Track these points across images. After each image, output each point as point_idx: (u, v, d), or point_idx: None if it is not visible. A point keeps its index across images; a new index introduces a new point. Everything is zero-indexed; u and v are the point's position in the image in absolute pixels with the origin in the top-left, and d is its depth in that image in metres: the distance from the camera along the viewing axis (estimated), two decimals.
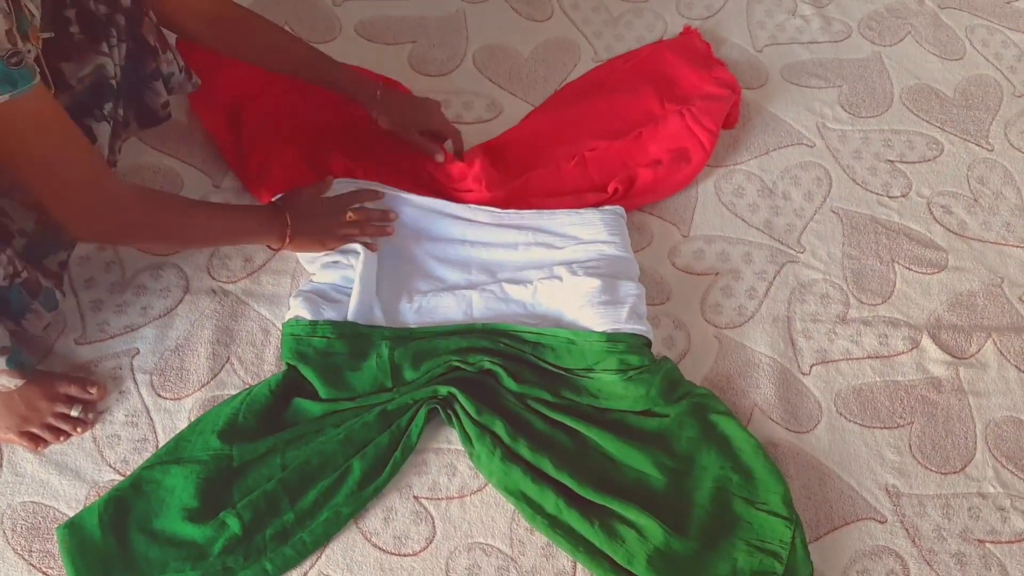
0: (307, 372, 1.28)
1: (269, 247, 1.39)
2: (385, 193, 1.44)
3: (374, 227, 1.39)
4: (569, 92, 1.68)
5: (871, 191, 1.60)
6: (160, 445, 1.25)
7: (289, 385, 1.29)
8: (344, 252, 1.36)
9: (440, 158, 1.50)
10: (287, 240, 1.31)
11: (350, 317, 1.32)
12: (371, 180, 1.47)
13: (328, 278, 1.36)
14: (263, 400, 1.27)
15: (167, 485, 1.20)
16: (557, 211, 1.48)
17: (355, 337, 1.31)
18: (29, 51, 0.99)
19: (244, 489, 1.22)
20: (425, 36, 1.73)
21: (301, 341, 1.30)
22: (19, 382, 1.19)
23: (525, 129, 1.61)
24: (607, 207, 1.49)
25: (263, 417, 1.26)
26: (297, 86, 1.55)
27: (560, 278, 1.39)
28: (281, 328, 1.35)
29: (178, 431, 1.26)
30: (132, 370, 1.31)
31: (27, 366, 1.20)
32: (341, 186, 1.42)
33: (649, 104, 1.63)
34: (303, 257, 1.40)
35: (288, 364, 1.30)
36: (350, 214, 1.36)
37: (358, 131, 1.54)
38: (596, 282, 1.36)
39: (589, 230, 1.45)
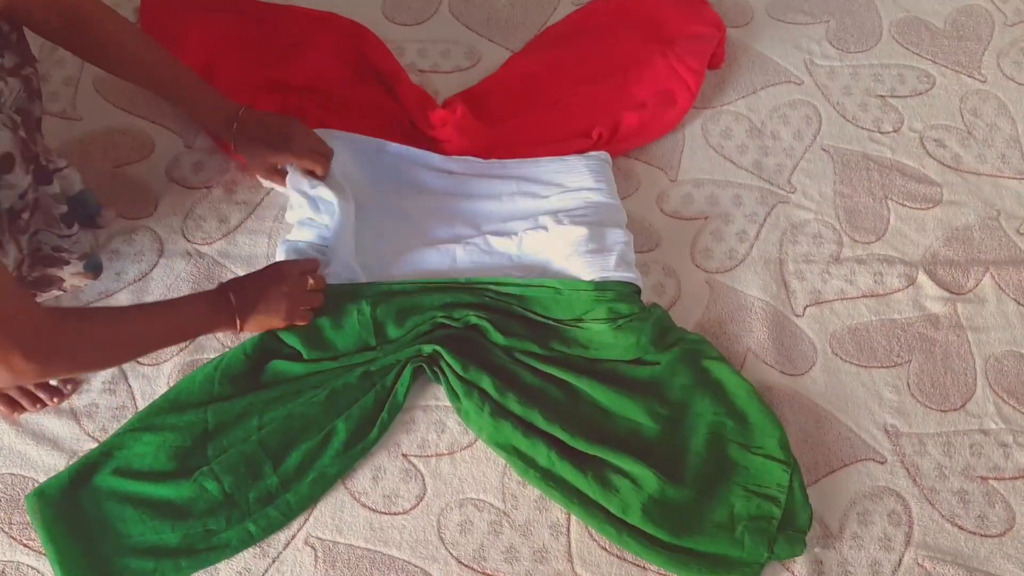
0: (286, 335, 1.24)
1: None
2: (364, 140, 1.40)
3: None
4: (550, 36, 1.63)
5: (862, 127, 1.56)
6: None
7: (265, 348, 1.25)
8: (318, 210, 1.31)
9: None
10: (239, 326, 1.18)
11: (329, 278, 1.28)
12: (348, 130, 1.42)
13: (305, 236, 1.32)
14: (239, 364, 1.23)
15: (139, 451, 1.17)
16: (541, 159, 1.44)
17: (334, 295, 1.27)
18: None
19: (218, 448, 1.18)
20: None
21: None
22: (91, 282, 1.25)
23: (506, 76, 1.56)
24: (592, 153, 1.44)
25: (239, 381, 1.23)
26: (271, 45, 1.50)
27: (546, 228, 1.35)
28: None
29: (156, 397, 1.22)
30: None
31: (100, 268, 1.24)
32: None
33: (633, 46, 1.58)
34: (288, 215, 1.35)
35: None
36: (311, 281, 1.23)
37: (336, 81, 1.50)
38: (583, 230, 1.33)
39: (574, 177, 1.41)
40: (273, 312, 1.19)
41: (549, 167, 1.43)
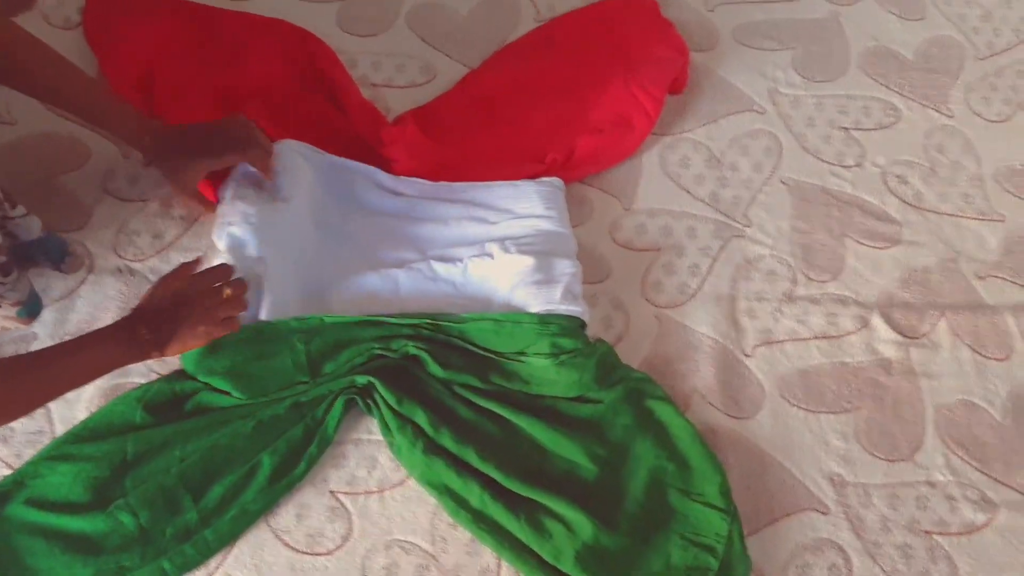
0: (216, 380, 1.19)
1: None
2: (309, 153, 1.35)
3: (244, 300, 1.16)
4: (509, 53, 1.58)
5: (823, 160, 1.52)
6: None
7: (192, 383, 1.20)
8: (245, 248, 1.24)
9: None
10: (160, 350, 1.08)
11: (264, 316, 1.23)
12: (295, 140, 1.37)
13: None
14: (164, 394, 1.18)
15: (54, 481, 1.12)
16: (492, 183, 1.39)
17: (263, 339, 1.22)
18: None
19: (137, 479, 1.13)
20: None
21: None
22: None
23: (459, 94, 1.51)
24: (544, 179, 1.40)
25: (163, 410, 1.18)
26: (214, 50, 1.45)
27: (492, 255, 1.30)
28: None
29: (75, 423, 1.17)
30: None
31: (37, 313, 1.22)
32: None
33: (593, 67, 1.53)
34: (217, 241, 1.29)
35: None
36: (227, 291, 1.12)
37: (280, 90, 1.44)
38: (529, 260, 1.28)
39: (524, 204, 1.37)
40: (191, 333, 1.09)
41: (499, 192, 1.38)
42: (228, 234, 1.22)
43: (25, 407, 1.02)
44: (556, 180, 1.40)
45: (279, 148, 1.30)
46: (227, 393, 1.19)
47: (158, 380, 1.20)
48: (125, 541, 1.11)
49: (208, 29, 1.48)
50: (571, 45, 1.57)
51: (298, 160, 1.32)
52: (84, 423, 1.17)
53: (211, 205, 1.29)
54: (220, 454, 1.15)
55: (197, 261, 1.17)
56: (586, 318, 1.27)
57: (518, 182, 1.39)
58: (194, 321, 1.09)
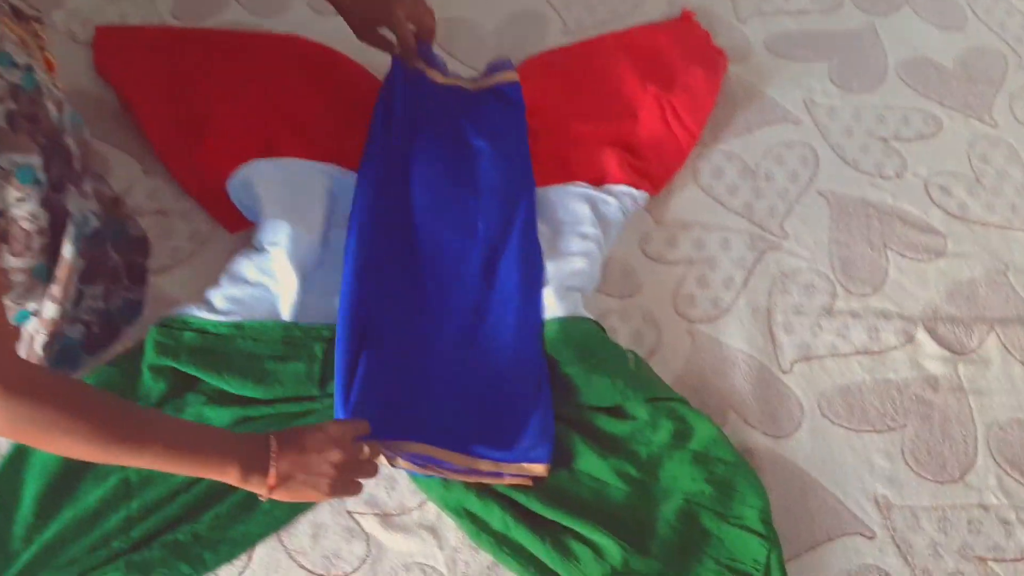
0: (208, 376, 1.15)
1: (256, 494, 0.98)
2: (337, 174, 1.33)
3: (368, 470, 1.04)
4: (541, 64, 1.54)
5: (862, 171, 1.46)
6: None
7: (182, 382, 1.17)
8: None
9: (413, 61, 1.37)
10: (271, 482, 0.94)
11: (288, 316, 1.20)
12: (325, 160, 1.35)
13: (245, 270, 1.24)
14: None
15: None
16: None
17: (289, 341, 1.18)
18: None
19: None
20: None
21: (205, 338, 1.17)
22: None
23: None
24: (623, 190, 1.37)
25: None
26: (234, 73, 1.43)
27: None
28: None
29: None
30: None
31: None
32: (303, 177, 1.31)
33: (631, 90, 1.49)
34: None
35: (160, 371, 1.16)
36: (366, 450, 1.01)
37: (310, 108, 1.42)
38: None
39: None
40: (315, 481, 0.96)
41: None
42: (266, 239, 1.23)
43: (106, 448, 0.88)
44: (637, 193, 1.37)
45: (313, 171, 1.32)
46: (221, 396, 1.15)
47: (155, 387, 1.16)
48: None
49: (225, 54, 1.46)
50: (612, 65, 1.52)
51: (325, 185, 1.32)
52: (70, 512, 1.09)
53: (392, 46, 1.34)
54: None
55: (364, 426, 1.05)
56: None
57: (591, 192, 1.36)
58: (324, 472, 0.97)
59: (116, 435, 0.88)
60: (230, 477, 0.93)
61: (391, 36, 1.34)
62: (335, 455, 0.96)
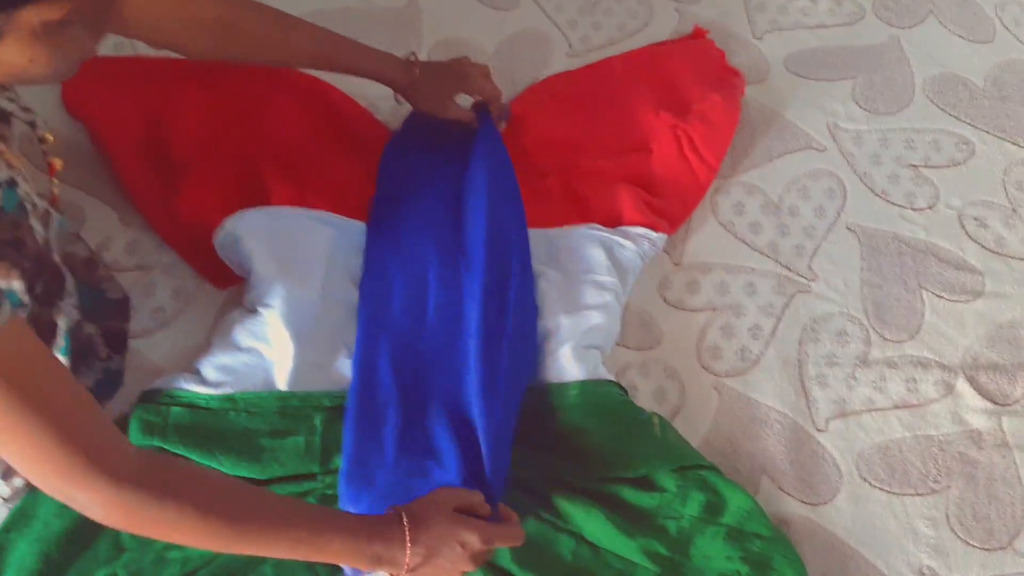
0: (200, 456, 1.05)
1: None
2: (336, 222, 1.23)
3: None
4: (545, 92, 1.44)
5: (892, 203, 1.37)
6: None
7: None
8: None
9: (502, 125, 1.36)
10: (406, 567, 0.89)
11: (284, 385, 1.10)
12: (323, 208, 1.24)
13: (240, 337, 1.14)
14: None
15: None
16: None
17: (286, 412, 1.09)
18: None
19: None
20: (371, 30, 1.48)
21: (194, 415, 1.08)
22: None
23: None
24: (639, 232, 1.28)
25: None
26: (223, 110, 1.31)
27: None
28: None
29: None
30: None
31: None
32: (298, 227, 1.21)
33: (644, 119, 1.39)
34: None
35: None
36: (496, 545, 0.95)
37: (301, 149, 1.31)
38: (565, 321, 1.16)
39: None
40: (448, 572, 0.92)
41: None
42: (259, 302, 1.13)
43: (230, 535, 0.83)
44: (655, 236, 1.27)
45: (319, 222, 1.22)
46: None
47: None
48: None
49: (213, 87, 1.34)
50: (619, 94, 1.42)
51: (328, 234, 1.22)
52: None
53: (469, 114, 1.32)
54: (220, 572, 1.01)
55: (500, 510, 0.99)
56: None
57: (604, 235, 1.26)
58: (458, 565, 0.92)
59: (234, 520, 0.82)
60: (364, 558, 0.88)
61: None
62: (470, 545, 0.91)
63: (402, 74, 1.25)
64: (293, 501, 0.95)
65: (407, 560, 0.88)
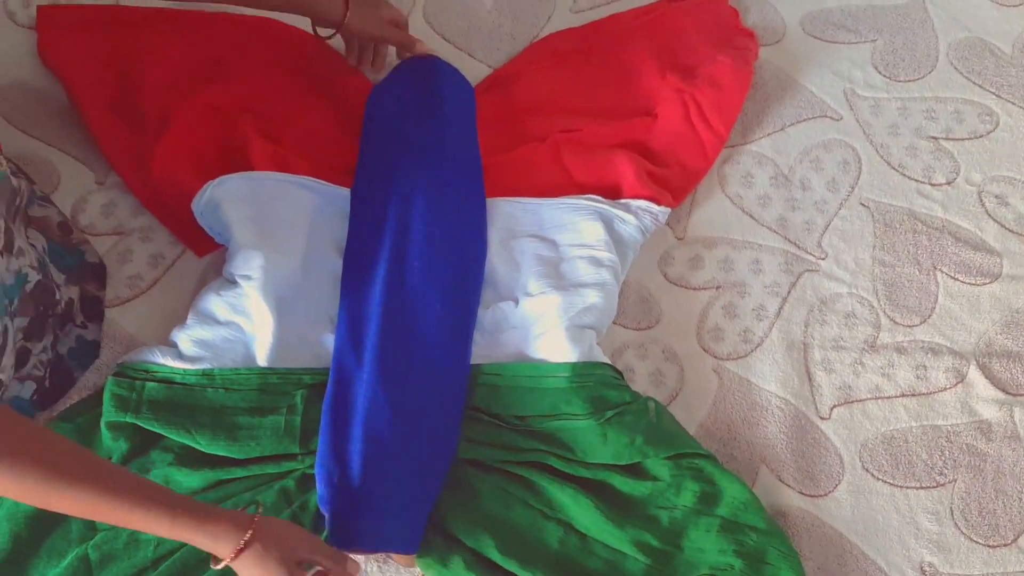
0: (175, 433, 1.01)
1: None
2: (320, 189, 1.17)
3: None
4: (544, 52, 1.37)
5: (910, 177, 1.30)
6: None
7: (144, 439, 1.03)
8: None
9: (423, 48, 1.28)
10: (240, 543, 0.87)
11: (264, 361, 1.06)
12: (300, 158, 1.19)
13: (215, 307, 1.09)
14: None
15: None
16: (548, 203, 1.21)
17: (266, 389, 1.04)
18: None
19: None
20: None
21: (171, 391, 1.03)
22: None
23: (482, 102, 1.30)
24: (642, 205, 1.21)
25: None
26: (197, 61, 1.24)
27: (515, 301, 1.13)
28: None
29: None
30: None
31: None
32: (280, 194, 1.15)
33: (649, 82, 1.32)
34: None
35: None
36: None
37: (278, 102, 1.25)
38: (556, 298, 1.10)
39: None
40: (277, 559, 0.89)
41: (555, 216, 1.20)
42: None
43: (61, 494, 0.81)
44: (657, 209, 1.20)
45: (297, 186, 1.16)
46: (190, 456, 1.02)
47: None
48: None
49: (190, 37, 1.26)
50: (623, 54, 1.34)
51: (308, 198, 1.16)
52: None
53: (409, 37, 1.28)
54: (193, 556, 0.97)
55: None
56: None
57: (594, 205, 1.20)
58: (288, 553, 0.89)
59: (64, 481, 0.79)
60: (205, 533, 0.85)
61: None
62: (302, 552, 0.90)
63: (334, 9, 1.21)
64: (120, 470, 0.91)
65: (244, 536, 0.86)
